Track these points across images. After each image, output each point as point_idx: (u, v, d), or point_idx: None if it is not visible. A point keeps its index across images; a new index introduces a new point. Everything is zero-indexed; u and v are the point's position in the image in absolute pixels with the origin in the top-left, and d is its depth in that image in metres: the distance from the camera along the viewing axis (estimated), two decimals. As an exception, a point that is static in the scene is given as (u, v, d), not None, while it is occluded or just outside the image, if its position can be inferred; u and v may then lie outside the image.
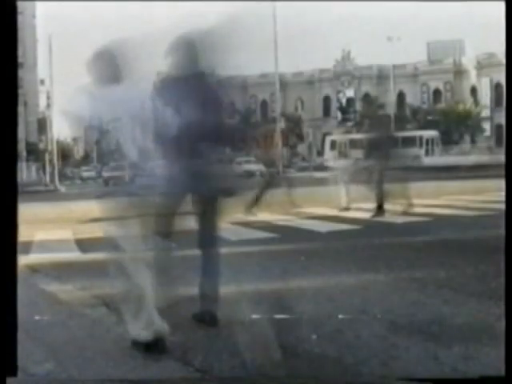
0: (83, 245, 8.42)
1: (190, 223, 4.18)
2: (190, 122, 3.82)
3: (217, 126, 4.05)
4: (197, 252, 4.16)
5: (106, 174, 4.44)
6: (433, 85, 75.90)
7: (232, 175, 4.49)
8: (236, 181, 4.49)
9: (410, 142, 46.35)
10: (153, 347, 3.50)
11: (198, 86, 3.97)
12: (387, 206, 10.87)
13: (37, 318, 4.41)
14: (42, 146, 50.22)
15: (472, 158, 37.69)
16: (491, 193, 13.42)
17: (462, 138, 64.96)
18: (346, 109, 76.00)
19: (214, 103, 4.02)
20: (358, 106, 74.52)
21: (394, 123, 58.01)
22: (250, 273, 5.97)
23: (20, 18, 38.57)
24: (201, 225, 4.15)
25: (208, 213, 4.12)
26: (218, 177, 4.10)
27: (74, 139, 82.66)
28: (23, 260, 6.01)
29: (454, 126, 61.98)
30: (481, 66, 72.15)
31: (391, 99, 64.33)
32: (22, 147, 43.42)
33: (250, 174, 32.13)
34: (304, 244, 8.17)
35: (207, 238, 4.15)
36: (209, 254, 4.14)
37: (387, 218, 10.54)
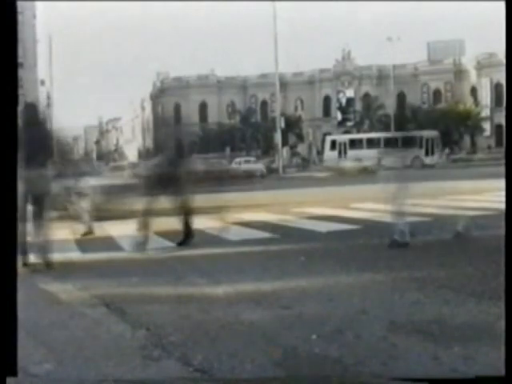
0: None
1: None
2: (32, 148, 6.82)
3: (45, 150, 7.34)
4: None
5: None
6: (433, 85, 75.95)
7: (47, 181, 7.29)
8: (49, 185, 7.35)
9: (410, 142, 46.33)
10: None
11: (36, 130, 7.33)
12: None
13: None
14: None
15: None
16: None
17: (462, 138, 65.02)
18: (345, 109, 76.03)
19: (44, 138, 7.37)
20: (358, 105, 74.58)
21: (394, 123, 58.05)
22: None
23: (20, 18, 38.54)
24: (35, 213, 7.21)
25: (38, 206, 7.19)
26: (40, 182, 7.10)
27: (74, 138, 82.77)
28: None
29: (454, 126, 61.94)
30: (481, 66, 72.16)
31: (391, 99, 64.34)
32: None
33: (249, 175, 32.03)
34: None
35: (40, 218, 7.18)
36: (40, 225, 7.13)
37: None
